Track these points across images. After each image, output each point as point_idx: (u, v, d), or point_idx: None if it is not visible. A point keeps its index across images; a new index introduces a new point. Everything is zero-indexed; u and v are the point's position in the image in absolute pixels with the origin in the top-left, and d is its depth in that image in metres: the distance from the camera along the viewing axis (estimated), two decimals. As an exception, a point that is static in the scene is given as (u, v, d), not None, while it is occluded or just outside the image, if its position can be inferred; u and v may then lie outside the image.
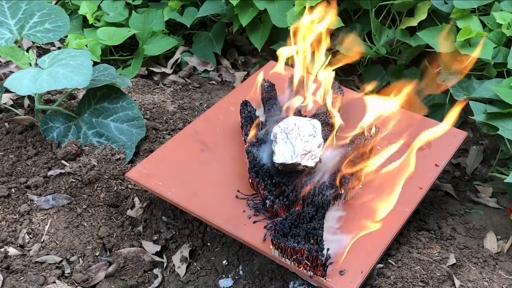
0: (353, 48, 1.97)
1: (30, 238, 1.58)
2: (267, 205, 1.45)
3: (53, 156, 1.78)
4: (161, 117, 2.03)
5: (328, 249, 1.29)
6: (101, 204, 1.68)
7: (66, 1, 2.49)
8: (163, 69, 2.36)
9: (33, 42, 2.26)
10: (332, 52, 1.99)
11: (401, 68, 2.13)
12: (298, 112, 1.67)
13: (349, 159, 1.47)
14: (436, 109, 1.99)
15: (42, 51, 2.44)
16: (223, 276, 1.53)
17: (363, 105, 1.66)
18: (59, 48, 2.48)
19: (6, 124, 1.91)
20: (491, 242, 1.60)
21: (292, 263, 1.33)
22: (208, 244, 1.60)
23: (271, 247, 1.35)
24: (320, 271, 1.29)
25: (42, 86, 1.62)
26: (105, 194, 1.70)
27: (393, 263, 1.45)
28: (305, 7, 2.03)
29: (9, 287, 1.44)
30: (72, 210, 1.65)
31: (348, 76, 2.31)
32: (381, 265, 1.44)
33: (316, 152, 1.47)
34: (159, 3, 2.50)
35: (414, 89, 1.57)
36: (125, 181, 1.74)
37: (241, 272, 1.52)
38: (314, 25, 1.68)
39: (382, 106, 1.60)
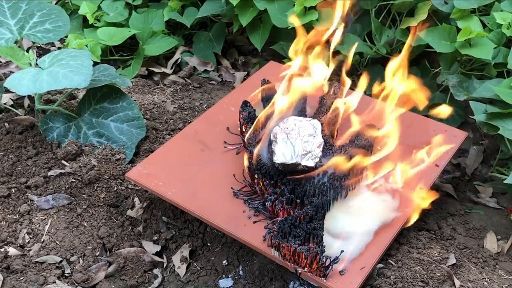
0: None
1: (30, 238, 1.58)
2: (267, 205, 1.45)
3: (53, 156, 1.78)
4: (161, 117, 2.03)
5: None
6: (101, 204, 1.68)
7: (66, 1, 2.49)
8: (163, 69, 2.36)
9: (33, 42, 2.26)
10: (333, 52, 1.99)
11: (401, 68, 2.13)
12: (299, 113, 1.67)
13: (348, 159, 1.47)
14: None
15: (42, 51, 2.44)
16: (223, 276, 1.53)
17: (363, 105, 1.67)
18: (59, 48, 2.48)
19: (6, 124, 1.90)
20: (491, 242, 1.59)
21: (292, 264, 1.33)
22: (208, 244, 1.60)
23: (271, 247, 1.35)
24: (320, 272, 1.29)
25: (42, 86, 1.62)
26: (105, 194, 1.70)
27: (393, 263, 1.45)
28: (305, 8, 2.04)
29: (9, 287, 1.44)
30: (72, 210, 1.65)
31: (348, 76, 2.30)
32: (381, 265, 1.44)
33: (316, 152, 1.47)
34: (159, 3, 2.50)
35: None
36: (125, 181, 1.74)
37: (241, 272, 1.52)
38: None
39: (382, 106, 1.61)
